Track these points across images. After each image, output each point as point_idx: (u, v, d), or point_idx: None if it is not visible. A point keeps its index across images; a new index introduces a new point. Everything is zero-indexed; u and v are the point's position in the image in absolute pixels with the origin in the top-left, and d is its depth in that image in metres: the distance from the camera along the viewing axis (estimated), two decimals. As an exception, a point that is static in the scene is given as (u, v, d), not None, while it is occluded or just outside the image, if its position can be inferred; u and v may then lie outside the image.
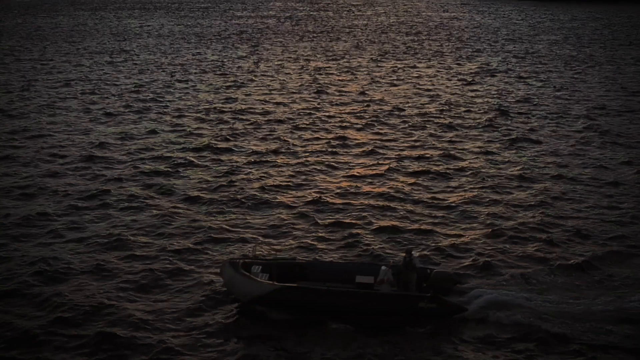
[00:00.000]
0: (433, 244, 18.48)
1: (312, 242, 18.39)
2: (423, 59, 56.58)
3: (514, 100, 37.84)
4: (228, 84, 44.02)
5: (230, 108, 36.23)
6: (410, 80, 45.20)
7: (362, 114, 34.56)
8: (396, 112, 34.94)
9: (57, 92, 41.36)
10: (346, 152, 27.85)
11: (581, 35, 75.56)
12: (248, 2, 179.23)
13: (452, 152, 27.56)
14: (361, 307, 14.03)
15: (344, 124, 32.57)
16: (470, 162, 26.29)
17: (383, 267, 14.83)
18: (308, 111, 35.37)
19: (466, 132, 30.82)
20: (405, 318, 14.07)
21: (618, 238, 19.12)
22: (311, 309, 14.09)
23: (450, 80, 45.14)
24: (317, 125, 32.21)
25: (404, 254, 15.20)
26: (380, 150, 27.95)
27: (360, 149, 28.28)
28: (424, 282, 14.87)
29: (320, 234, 19.04)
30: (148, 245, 18.51)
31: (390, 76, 47.04)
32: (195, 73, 48.63)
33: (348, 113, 34.93)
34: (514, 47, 64.73)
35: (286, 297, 14.06)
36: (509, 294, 15.09)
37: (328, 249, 18.00)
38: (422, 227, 19.77)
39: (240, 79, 45.72)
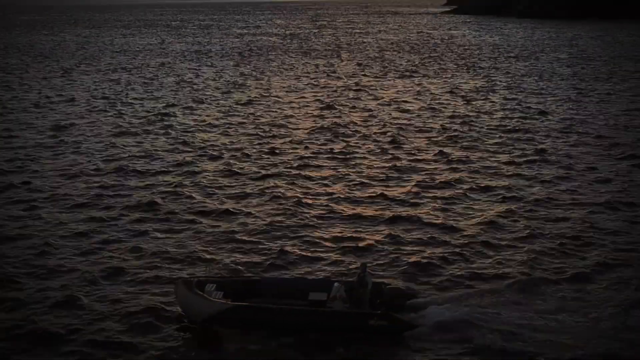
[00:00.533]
0: (391, 259, 18.10)
1: (269, 258, 18.16)
2: (426, 76, 56.62)
3: (519, 116, 37.71)
4: (231, 101, 43.94)
5: (232, 126, 36.09)
6: (413, 97, 45.12)
7: (363, 130, 34.37)
8: (395, 129, 34.71)
9: (64, 110, 41.25)
10: (328, 165, 27.54)
11: (585, 51, 75.85)
12: (250, 20, 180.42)
13: (439, 166, 27.27)
14: (312, 324, 14.06)
15: (340, 139, 32.35)
16: (455, 175, 25.88)
17: (336, 284, 14.72)
18: (307, 127, 35.21)
19: (466, 145, 30.60)
20: (357, 335, 13.98)
21: (598, 254, 18.46)
22: (264, 327, 14.11)
23: (454, 97, 45.04)
24: (310, 140, 32.02)
25: (357, 270, 15.11)
26: (364, 164, 27.57)
27: (343, 162, 28.07)
28: (377, 298, 14.75)
29: (276, 250, 18.72)
30: (115, 260, 18.38)
31: (394, 93, 46.98)
32: (198, 90, 48.58)
33: (344, 128, 34.75)
34: (518, 63, 64.91)
35: (239, 316, 14.08)
36: (468, 310, 14.75)
37: (284, 265, 17.79)
38: (382, 243, 19.32)
39: (244, 97, 45.66)
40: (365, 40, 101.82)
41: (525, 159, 28.56)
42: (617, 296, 15.97)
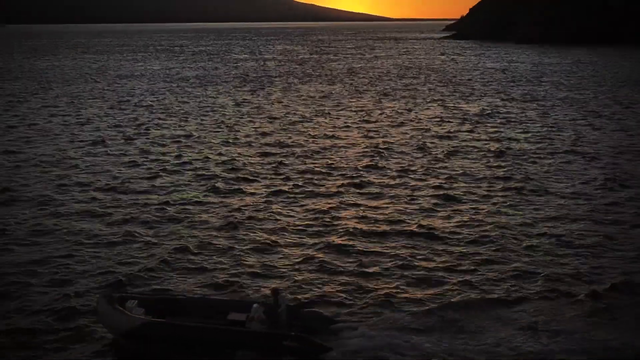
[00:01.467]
0: (312, 282, 18.12)
1: (195, 278, 18.35)
2: (427, 101, 56.77)
3: (522, 140, 37.72)
4: (235, 127, 43.98)
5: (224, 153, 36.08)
6: (415, 122, 45.15)
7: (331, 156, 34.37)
8: (392, 155, 34.66)
9: (69, 134, 41.24)
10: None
11: (586, 76, 76.26)
12: (249, 45, 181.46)
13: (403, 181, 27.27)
14: (228, 344, 14.19)
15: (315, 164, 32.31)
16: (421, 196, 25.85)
17: (255, 305, 14.96)
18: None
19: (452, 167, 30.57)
20: (271, 356, 14.04)
21: (528, 281, 18.25)
22: (181, 345, 14.18)
23: (456, 121, 45.07)
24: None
25: (271, 292, 15.29)
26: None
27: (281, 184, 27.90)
28: (296, 321, 14.97)
29: (203, 270, 18.93)
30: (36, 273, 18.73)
31: (395, 118, 46.95)
32: (199, 115, 48.68)
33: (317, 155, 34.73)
34: (518, 89, 65.20)
35: (156, 333, 14.20)
36: (388, 334, 14.81)
37: (208, 284, 17.95)
38: (305, 265, 19.33)
39: (244, 121, 45.73)
40: (364, 65, 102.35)
41: (512, 184, 28.52)
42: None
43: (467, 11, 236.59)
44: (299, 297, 17.01)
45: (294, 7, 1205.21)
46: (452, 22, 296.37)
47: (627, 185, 28.23)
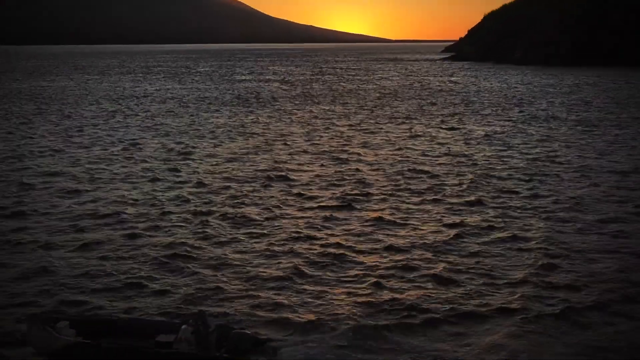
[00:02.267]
0: (244, 302, 18.03)
1: (126, 300, 18.28)
2: (437, 121, 56.85)
3: (525, 160, 37.68)
4: (238, 148, 43.93)
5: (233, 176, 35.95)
6: (419, 142, 45.13)
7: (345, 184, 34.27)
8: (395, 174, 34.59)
9: (73, 156, 41.17)
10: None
11: (585, 97, 76.64)
12: (251, 67, 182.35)
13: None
14: None
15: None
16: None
17: (183, 326, 15.14)
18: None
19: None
20: None
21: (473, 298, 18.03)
22: None
23: (460, 142, 45.04)
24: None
25: (197, 314, 15.39)
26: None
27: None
28: (226, 341, 15.05)
29: (136, 290, 18.84)
30: None
31: (401, 140, 46.99)
32: (201, 137, 48.69)
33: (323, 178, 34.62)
34: (522, 110, 65.45)
35: (84, 354, 14.35)
36: (317, 354, 14.78)
37: (142, 306, 17.88)
38: (239, 284, 19.22)
39: (251, 144, 45.70)
40: (366, 87, 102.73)
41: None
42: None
43: (466, 32, 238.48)
44: (229, 317, 16.94)
45: (292, 28, 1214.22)
46: (450, 43, 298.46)
47: (628, 202, 28.40)
